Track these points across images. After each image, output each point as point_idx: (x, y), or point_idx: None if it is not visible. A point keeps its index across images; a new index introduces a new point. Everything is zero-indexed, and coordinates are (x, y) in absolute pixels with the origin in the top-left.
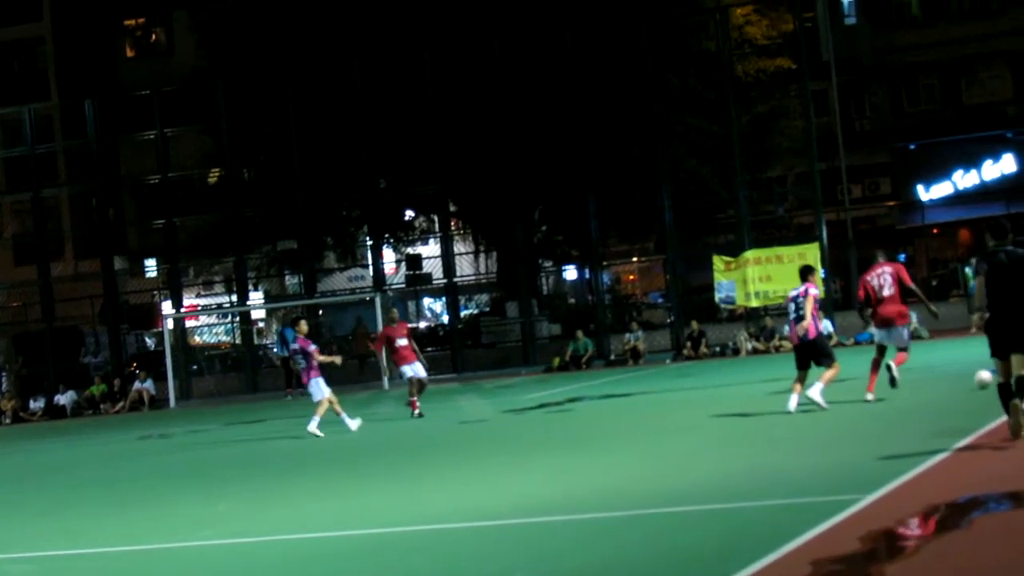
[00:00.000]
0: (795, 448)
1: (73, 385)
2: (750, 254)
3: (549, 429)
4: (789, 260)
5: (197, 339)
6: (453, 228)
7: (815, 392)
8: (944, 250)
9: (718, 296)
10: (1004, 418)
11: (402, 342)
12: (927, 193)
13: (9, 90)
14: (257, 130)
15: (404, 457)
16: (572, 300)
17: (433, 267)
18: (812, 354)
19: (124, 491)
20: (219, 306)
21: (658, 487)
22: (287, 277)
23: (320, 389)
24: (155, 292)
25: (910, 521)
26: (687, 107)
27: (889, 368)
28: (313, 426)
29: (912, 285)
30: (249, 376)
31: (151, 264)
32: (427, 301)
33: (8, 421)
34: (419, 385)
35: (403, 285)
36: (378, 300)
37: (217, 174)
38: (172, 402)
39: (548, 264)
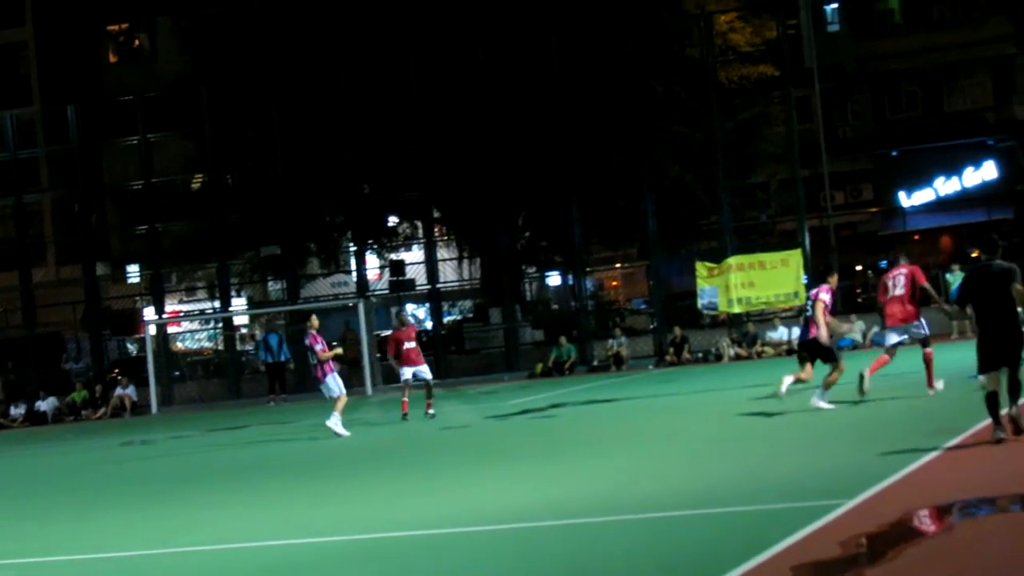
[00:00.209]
0: (777, 453)
1: (54, 391)
2: (733, 260)
3: (532, 435)
4: (772, 266)
5: (179, 345)
6: (437, 234)
7: (816, 399)
8: (925, 256)
9: (701, 302)
10: (986, 421)
11: (410, 344)
12: (909, 200)
13: None
14: (240, 136)
15: (387, 463)
16: (555, 306)
17: (416, 273)
18: (816, 353)
19: (106, 497)
20: (202, 312)
21: (641, 493)
22: (270, 283)
23: (338, 385)
24: (137, 298)
25: (892, 526)
26: (671, 114)
27: (861, 376)
28: (337, 426)
29: (926, 284)
30: (232, 382)
31: (133, 270)
32: (410, 307)
33: None
34: (427, 387)
35: (386, 291)
36: (361, 306)
37: (200, 180)
38: (154, 408)
39: (531, 270)
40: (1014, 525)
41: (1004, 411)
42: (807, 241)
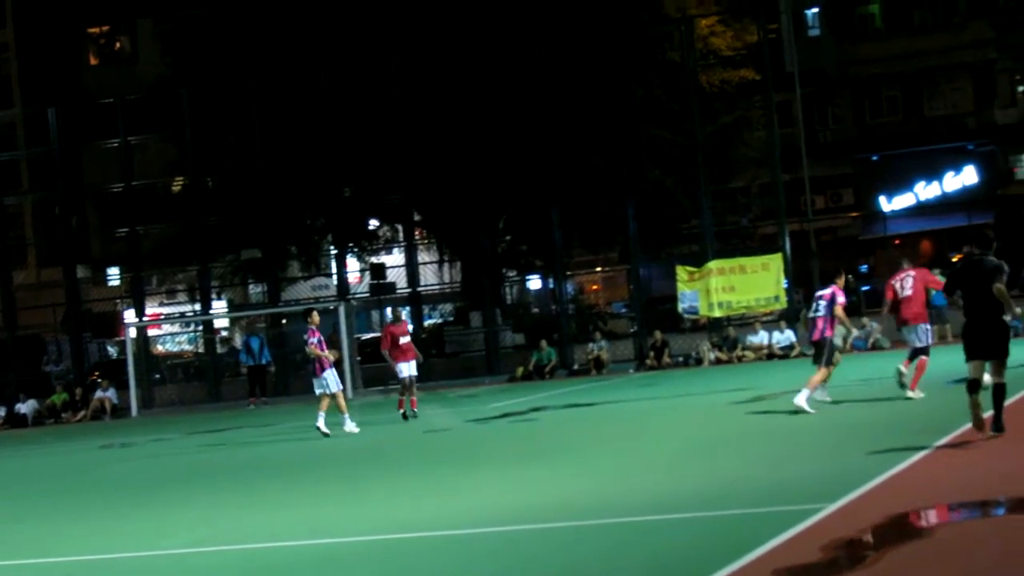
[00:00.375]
0: (758, 457)
1: (34, 394)
2: (713, 264)
3: (513, 439)
4: (752, 271)
5: (160, 348)
6: (417, 237)
7: (800, 398)
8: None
9: (681, 306)
10: (964, 427)
11: (404, 340)
12: (889, 204)
13: None
14: (221, 139)
15: (368, 466)
16: (536, 310)
17: (397, 276)
18: (817, 352)
19: (86, 500)
20: (182, 315)
21: (621, 496)
22: (250, 286)
23: (335, 381)
24: (118, 300)
25: (873, 530)
26: (652, 117)
27: (899, 371)
28: (350, 425)
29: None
30: (212, 385)
31: (114, 272)
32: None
33: None
34: (410, 385)
35: (367, 294)
36: (342, 309)
37: (181, 183)
38: (134, 411)
39: (512, 274)
40: (996, 529)
41: (987, 414)
42: (788, 245)
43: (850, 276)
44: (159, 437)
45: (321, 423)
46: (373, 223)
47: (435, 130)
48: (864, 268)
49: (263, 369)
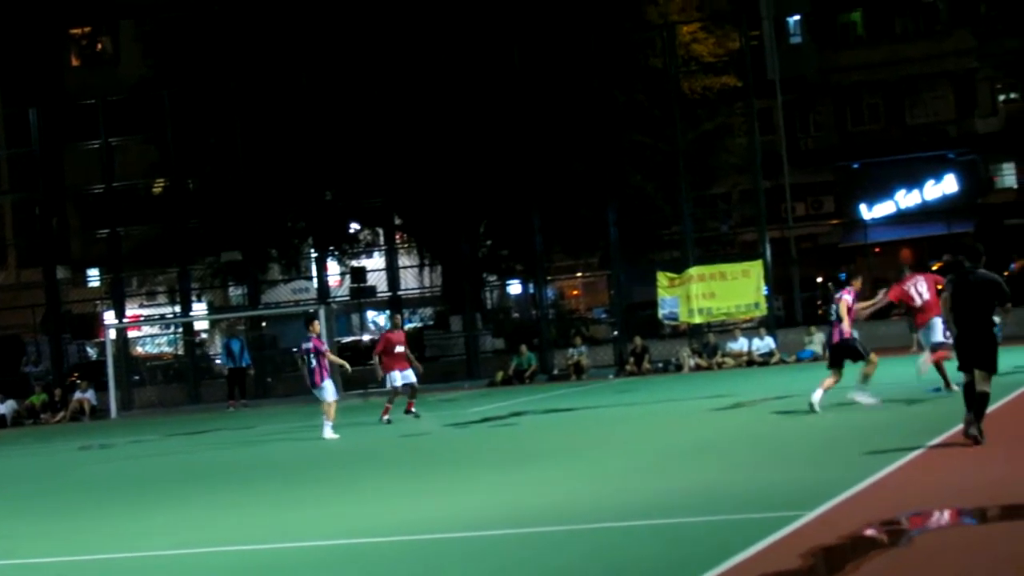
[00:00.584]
0: (737, 464)
1: (13, 394)
2: (694, 271)
3: (492, 443)
4: (733, 277)
5: (139, 350)
6: (398, 241)
7: (857, 394)
8: (886, 269)
9: (661, 312)
10: (946, 434)
11: (400, 348)
12: (870, 212)
13: None
14: (202, 141)
15: (346, 470)
16: (516, 315)
17: (377, 280)
18: (846, 354)
19: (65, 501)
20: (162, 317)
21: (600, 502)
22: (231, 288)
23: (333, 390)
24: (98, 302)
25: (852, 538)
26: (633, 123)
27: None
28: (327, 432)
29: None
30: (191, 387)
31: (94, 274)
32: (371, 314)
33: None
34: (412, 391)
35: (347, 297)
36: (322, 312)
37: (162, 184)
38: (113, 412)
39: (492, 278)
40: (978, 537)
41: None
42: (768, 252)
43: (830, 283)
44: (138, 439)
45: (327, 433)
46: (354, 226)
47: (417, 134)
48: (844, 276)
49: (243, 371)
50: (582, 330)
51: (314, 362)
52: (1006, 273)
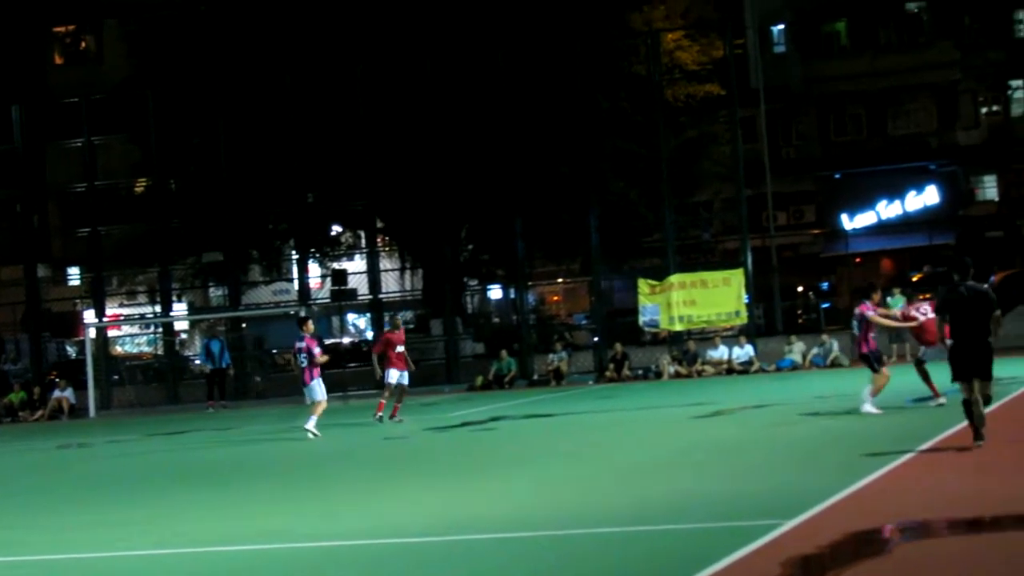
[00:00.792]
0: (716, 472)
1: None
2: (675, 278)
3: (471, 448)
4: (714, 285)
5: (119, 349)
6: (380, 244)
7: (864, 405)
8: (866, 279)
9: (642, 319)
10: (928, 443)
11: (400, 348)
12: (851, 222)
13: None
14: (185, 141)
15: (325, 472)
16: (496, 319)
17: (359, 283)
18: (866, 364)
19: (43, 500)
20: (142, 316)
21: (577, 508)
22: (211, 289)
23: (321, 390)
24: (78, 301)
25: (830, 548)
26: (616, 129)
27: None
28: (311, 424)
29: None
30: (170, 387)
31: (74, 272)
32: (351, 316)
33: None
34: (400, 392)
35: (328, 300)
36: (302, 314)
37: (144, 184)
38: (92, 411)
39: (473, 283)
40: (955, 549)
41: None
42: (749, 261)
43: (811, 293)
44: (117, 438)
45: (312, 426)
46: (336, 229)
47: (400, 137)
48: (825, 285)
49: (223, 372)
50: (566, 336)
51: (305, 361)
52: (985, 286)
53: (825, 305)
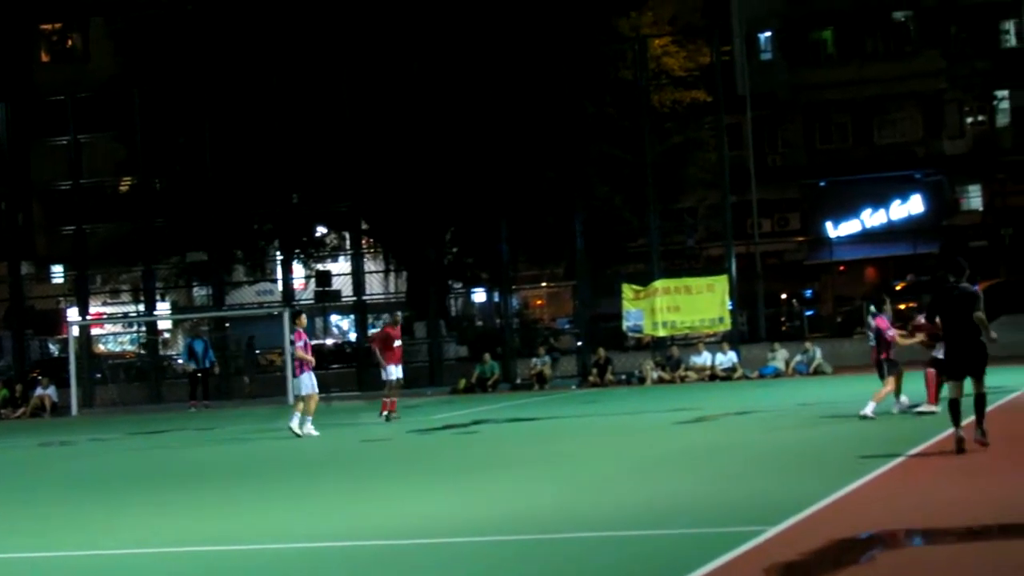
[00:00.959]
0: (699, 478)
1: None
2: (659, 284)
3: (454, 451)
4: (698, 291)
5: (102, 347)
6: (364, 246)
7: (867, 408)
8: (850, 287)
9: (626, 324)
10: (913, 451)
11: (397, 343)
12: (835, 230)
13: None
14: (171, 140)
15: (306, 473)
16: (480, 323)
17: (343, 284)
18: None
19: (24, 498)
20: (125, 315)
21: (561, 513)
22: (195, 289)
23: (309, 384)
24: (61, 299)
25: (813, 555)
26: (602, 134)
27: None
28: (307, 426)
29: None
30: (153, 386)
31: (58, 270)
32: (335, 318)
33: None
34: (397, 386)
35: (312, 301)
36: (286, 315)
37: (129, 183)
38: (74, 410)
39: (458, 286)
40: (938, 557)
41: (968, 420)
42: (734, 267)
43: (794, 300)
44: (99, 437)
45: (295, 424)
46: (320, 230)
47: (385, 139)
48: (809, 293)
49: (206, 372)
50: (550, 340)
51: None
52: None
53: (809, 313)
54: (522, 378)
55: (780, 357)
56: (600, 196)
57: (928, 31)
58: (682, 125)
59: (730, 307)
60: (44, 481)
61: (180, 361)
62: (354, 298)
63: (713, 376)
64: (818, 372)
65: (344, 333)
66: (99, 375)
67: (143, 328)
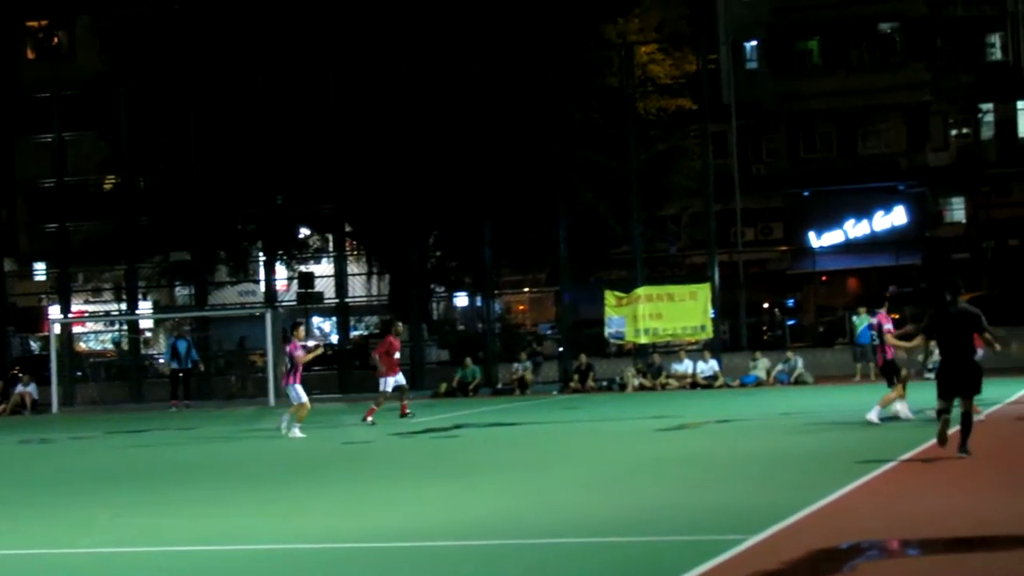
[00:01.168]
0: (679, 485)
1: None
2: (642, 291)
3: (435, 454)
4: (680, 299)
5: (83, 346)
6: (347, 248)
7: (871, 414)
8: (832, 297)
9: (608, 331)
10: (898, 460)
11: (397, 355)
12: (818, 240)
13: None
14: (156, 139)
15: (287, 476)
16: (462, 327)
17: (325, 286)
18: (886, 373)
19: (2, 495)
20: (107, 313)
21: (536, 519)
22: (177, 288)
23: (297, 395)
24: (43, 296)
25: (793, 564)
26: (587, 141)
27: None
28: (295, 431)
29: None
30: (134, 385)
31: (40, 268)
32: (316, 320)
33: None
34: (403, 392)
35: (294, 302)
36: (268, 316)
37: (113, 181)
38: (54, 407)
39: (440, 290)
40: (918, 568)
41: (955, 429)
42: (716, 276)
43: (777, 309)
44: (79, 435)
45: (288, 428)
46: (304, 231)
47: (370, 141)
48: (791, 302)
49: (188, 372)
50: (532, 345)
51: (290, 364)
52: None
53: (791, 322)
54: (504, 383)
55: (761, 366)
56: (584, 202)
57: (914, 43)
58: (667, 133)
59: (712, 315)
60: (23, 479)
61: (162, 360)
62: (336, 300)
63: (694, 384)
64: (799, 382)
65: (326, 335)
66: (80, 373)
67: (125, 327)
